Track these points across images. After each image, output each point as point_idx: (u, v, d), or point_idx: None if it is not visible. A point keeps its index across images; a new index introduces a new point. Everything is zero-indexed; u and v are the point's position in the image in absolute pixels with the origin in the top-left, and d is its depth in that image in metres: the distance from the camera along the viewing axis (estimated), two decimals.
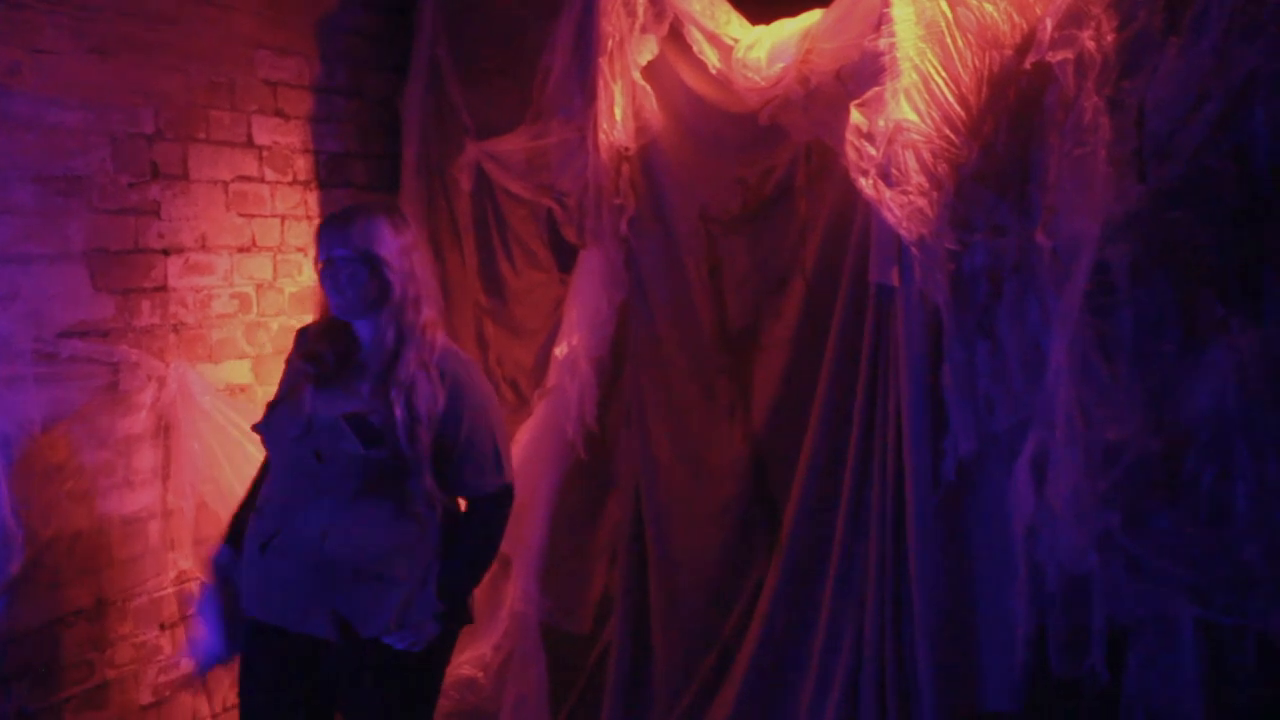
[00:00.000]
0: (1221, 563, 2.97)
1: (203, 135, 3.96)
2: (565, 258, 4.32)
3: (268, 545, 3.00)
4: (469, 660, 4.19)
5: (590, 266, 4.14)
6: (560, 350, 4.15)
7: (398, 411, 2.97)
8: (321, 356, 3.11)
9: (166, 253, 3.81)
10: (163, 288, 3.80)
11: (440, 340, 3.12)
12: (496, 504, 3.18)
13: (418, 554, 3.04)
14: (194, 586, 3.82)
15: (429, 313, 3.10)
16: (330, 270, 3.03)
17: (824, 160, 3.74)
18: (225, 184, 4.05)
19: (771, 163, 3.87)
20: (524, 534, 4.16)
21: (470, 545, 3.15)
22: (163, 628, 3.80)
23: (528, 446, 4.18)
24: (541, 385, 4.24)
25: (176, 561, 3.84)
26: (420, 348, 3.05)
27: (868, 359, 3.58)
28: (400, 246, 3.07)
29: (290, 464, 3.04)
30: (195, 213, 3.91)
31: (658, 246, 4.08)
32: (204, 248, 3.95)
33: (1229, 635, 3.02)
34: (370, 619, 2.97)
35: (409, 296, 3.06)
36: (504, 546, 4.07)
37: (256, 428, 3.13)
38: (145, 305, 3.74)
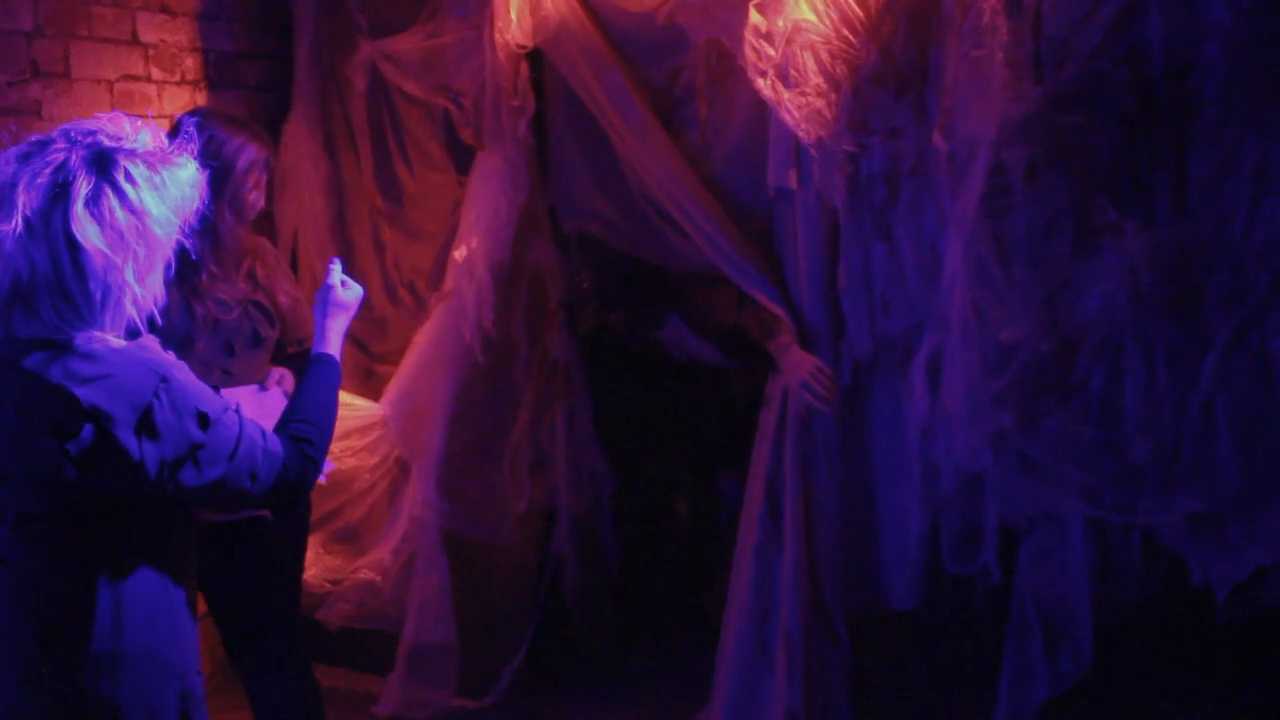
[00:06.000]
0: (1110, 462, 3.02)
1: (85, 32, 3.82)
2: (463, 159, 4.24)
3: None
4: (368, 564, 4.16)
5: (488, 169, 4.06)
6: (459, 253, 4.08)
7: None
8: None
9: None
10: None
11: None
12: None
13: None
14: None
15: None
16: None
17: (727, 62, 3.65)
18: (110, 83, 3.92)
19: (677, 63, 3.79)
20: (421, 438, 4.13)
21: None
22: None
23: (425, 350, 4.14)
24: (439, 289, 4.18)
25: None
26: None
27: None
28: None
29: None
30: (79, 113, 3.75)
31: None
32: None
33: (1116, 533, 3.08)
34: None
35: None
36: (401, 450, 4.06)
37: None
38: None
